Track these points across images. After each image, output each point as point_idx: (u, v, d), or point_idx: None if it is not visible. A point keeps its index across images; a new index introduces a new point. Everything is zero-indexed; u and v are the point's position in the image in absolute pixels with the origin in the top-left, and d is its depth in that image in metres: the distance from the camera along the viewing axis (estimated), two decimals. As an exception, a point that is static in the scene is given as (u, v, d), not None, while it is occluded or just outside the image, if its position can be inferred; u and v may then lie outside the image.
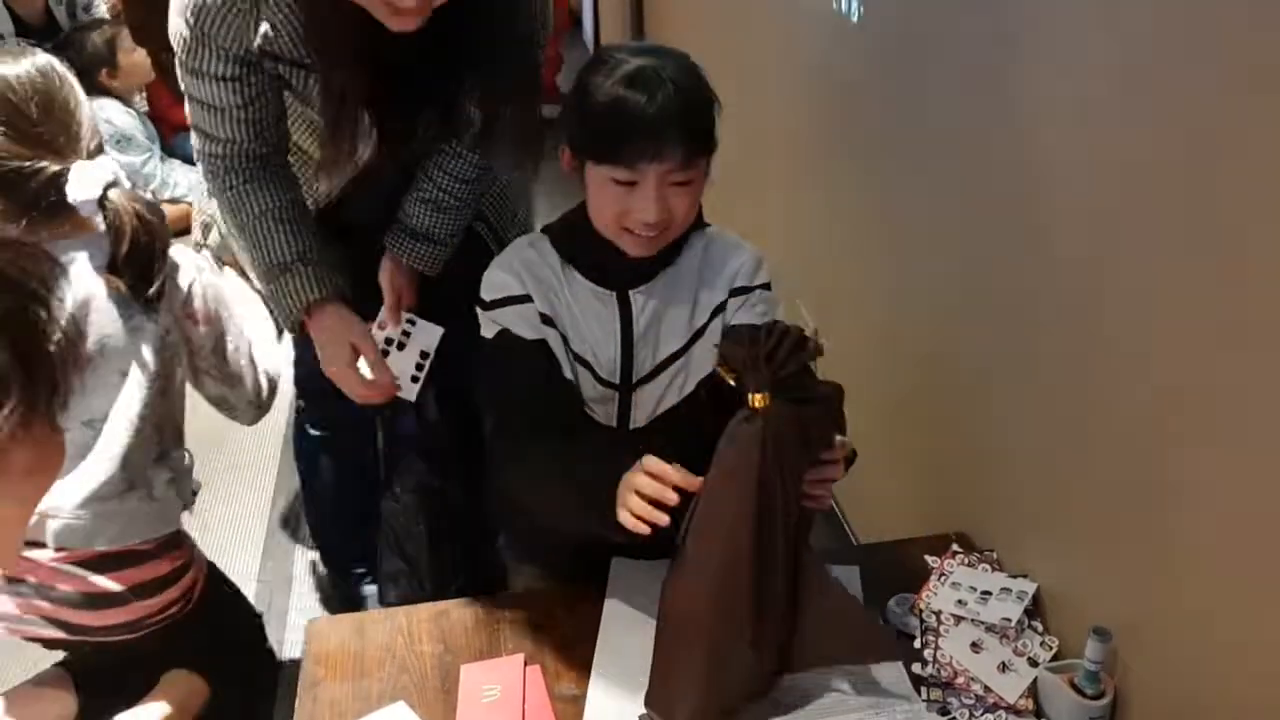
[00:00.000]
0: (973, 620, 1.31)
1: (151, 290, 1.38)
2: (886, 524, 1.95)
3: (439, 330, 1.59)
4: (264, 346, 1.57)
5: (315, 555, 2.27)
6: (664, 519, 1.06)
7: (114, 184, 1.35)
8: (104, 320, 1.36)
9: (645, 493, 1.07)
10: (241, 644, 1.71)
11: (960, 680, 1.25)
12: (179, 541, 1.50)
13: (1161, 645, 1.16)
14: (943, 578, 1.38)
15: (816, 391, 1.12)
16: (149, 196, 1.49)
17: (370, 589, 2.09)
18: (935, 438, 1.74)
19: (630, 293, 1.30)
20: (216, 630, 1.59)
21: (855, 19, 1.88)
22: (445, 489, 1.72)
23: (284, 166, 1.53)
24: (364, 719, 1.22)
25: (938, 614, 1.33)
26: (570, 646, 1.30)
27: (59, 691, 1.46)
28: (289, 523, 2.46)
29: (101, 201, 1.34)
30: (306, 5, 1.31)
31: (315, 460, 2.03)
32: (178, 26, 1.37)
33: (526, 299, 1.28)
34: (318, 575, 2.27)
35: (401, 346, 1.58)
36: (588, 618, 1.33)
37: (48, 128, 1.34)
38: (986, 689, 1.24)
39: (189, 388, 1.51)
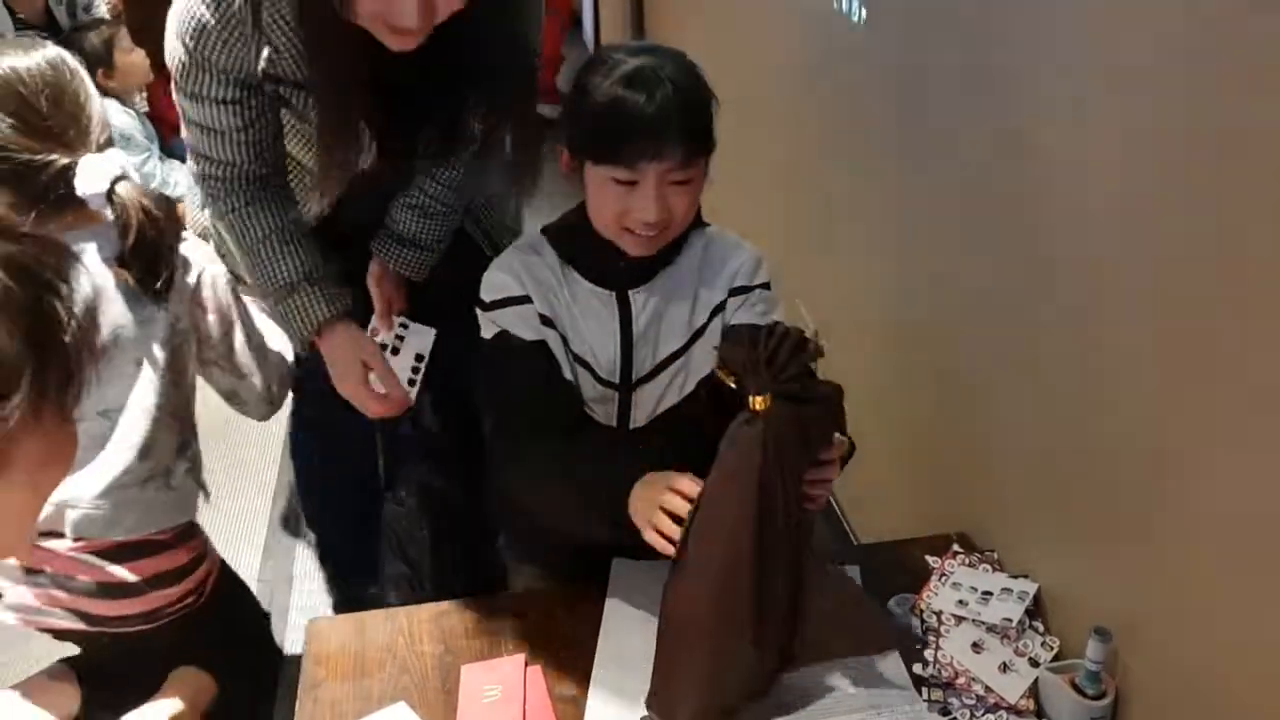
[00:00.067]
0: (974, 620, 1.31)
1: (159, 283, 1.38)
2: (887, 524, 1.95)
3: (432, 332, 1.59)
4: (277, 341, 1.57)
5: (316, 555, 2.27)
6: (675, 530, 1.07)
7: (122, 177, 1.35)
8: (116, 311, 1.36)
9: (668, 508, 1.08)
10: (251, 639, 1.72)
11: (961, 680, 1.25)
12: (195, 532, 1.52)
13: (1162, 645, 1.16)
14: (943, 578, 1.38)
15: (816, 392, 1.12)
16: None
17: (371, 590, 2.09)
18: (936, 438, 1.74)
19: (630, 293, 1.30)
20: (229, 624, 1.60)
21: (856, 19, 1.88)
22: (447, 490, 1.72)
23: (284, 186, 1.52)
24: (364, 719, 1.22)
25: (939, 614, 1.33)
26: (571, 647, 1.30)
27: (64, 685, 1.47)
28: (290, 522, 2.46)
29: (110, 195, 1.35)
30: (307, 27, 1.30)
31: (313, 460, 2.03)
32: (175, 49, 1.36)
33: (526, 300, 1.28)
34: (318, 575, 2.27)
35: (396, 351, 1.58)
36: (588, 618, 1.33)
37: (57, 120, 1.34)
38: (987, 689, 1.24)
39: (200, 381, 1.52)
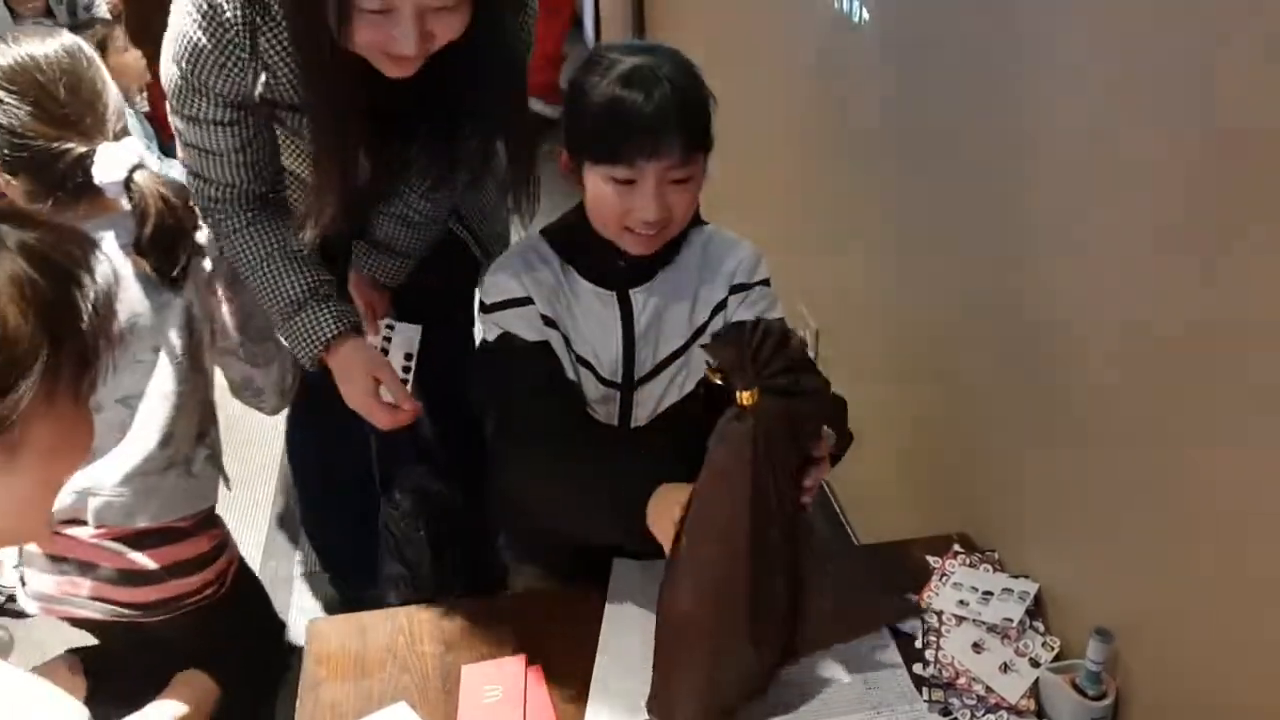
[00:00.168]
0: (974, 621, 1.31)
1: (176, 271, 1.39)
2: (888, 524, 1.95)
3: (417, 328, 1.59)
4: None
5: (316, 555, 2.27)
6: None
7: (139, 166, 1.36)
8: (133, 298, 1.37)
9: None
10: (266, 635, 1.73)
11: (962, 681, 1.25)
12: (215, 521, 1.53)
13: (1163, 646, 1.16)
14: (944, 578, 1.38)
15: (805, 385, 1.11)
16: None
17: (371, 590, 2.09)
18: (936, 438, 1.74)
19: (631, 292, 1.30)
20: (246, 619, 1.62)
21: (857, 19, 1.88)
22: (443, 492, 1.72)
23: (282, 202, 1.52)
24: (365, 719, 1.22)
25: (939, 614, 1.33)
26: (572, 647, 1.29)
27: (71, 675, 1.47)
28: (289, 522, 2.46)
29: (127, 183, 1.35)
30: (304, 55, 1.29)
31: (311, 461, 2.03)
32: (170, 72, 1.35)
33: (528, 301, 1.28)
34: (318, 575, 2.27)
35: (385, 353, 1.58)
36: (589, 618, 1.33)
37: (75, 109, 1.35)
38: (988, 689, 1.24)
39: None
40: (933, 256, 1.68)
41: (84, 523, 1.40)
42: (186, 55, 1.32)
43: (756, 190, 2.58)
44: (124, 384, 1.39)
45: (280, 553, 2.38)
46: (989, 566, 1.41)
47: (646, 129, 1.15)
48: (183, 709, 1.25)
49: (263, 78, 1.33)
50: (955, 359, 1.63)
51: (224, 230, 1.45)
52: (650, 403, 1.34)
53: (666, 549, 1.10)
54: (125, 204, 1.38)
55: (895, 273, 1.85)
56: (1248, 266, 0.98)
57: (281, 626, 1.81)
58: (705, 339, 1.32)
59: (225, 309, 1.47)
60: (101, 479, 1.39)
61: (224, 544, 1.54)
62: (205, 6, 1.28)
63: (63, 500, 1.38)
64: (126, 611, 1.44)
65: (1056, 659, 1.27)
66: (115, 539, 1.41)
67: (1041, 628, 1.31)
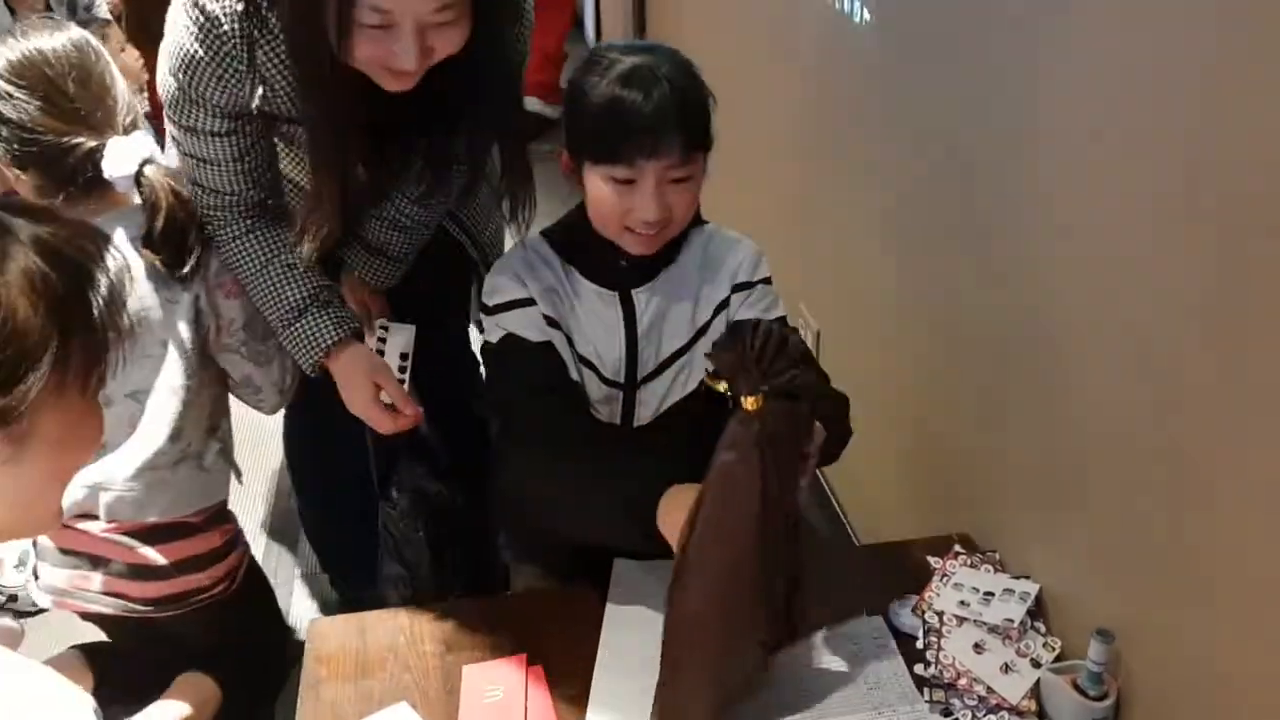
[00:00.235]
0: (975, 621, 1.31)
1: (185, 269, 1.38)
2: (888, 525, 1.95)
3: (412, 328, 1.60)
4: None
5: (315, 556, 2.27)
6: None
7: (149, 160, 1.36)
8: (142, 293, 1.37)
9: None
10: (271, 635, 1.74)
11: (963, 681, 1.25)
12: (227, 516, 1.53)
13: (1164, 646, 1.16)
14: (945, 579, 1.38)
15: (807, 385, 1.12)
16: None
17: (370, 591, 2.09)
18: (937, 438, 1.74)
19: (633, 292, 1.30)
20: (255, 617, 1.61)
21: (858, 19, 1.88)
22: (442, 492, 1.72)
23: (281, 209, 1.52)
24: (366, 719, 1.22)
25: (940, 615, 1.33)
26: (573, 647, 1.29)
27: (77, 670, 1.48)
28: (289, 522, 2.46)
29: (137, 177, 1.35)
30: (303, 70, 1.29)
31: (309, 462, 2.03)
32: (166, 82, 1.35)
33: (530, 302, 1.28)
34: (318, 575, 2.26)
35: (381, 354, 1.58)
36: (590, 618, 1.33)
37: (84, 103, 1.34)
38: (989, 690, 1.24)
39: None
40: (933, 257, 1.68)
41: (95, 517, 1.41)
42: (183, 67, 1.31)
43: (757, 190, 2.57)
44: (133, 378, 1.39)
45: (280, 553, 2.37)
46: (990, 567, 1.41)
47: (646, 128, 1.15)
48: (186, 709, 1.25)
49: (260, 90, 1.32)
50: (956, 359, 1.63)
51: (223, 237, 1.45)
52: (653, 402, 1.34)
53: (676, 550, 1.10)
54: (135, 198, 1.38)
55: (895, 273, 1.85)
56: (1249, 267, 0.98)
57: (286, 627, 1.81)
58: (710, 338, 1.32)
59: (232, 305, 1.47)
60: (113, 473, 1.40)
61: (235, 540, 1.54)
62: (202, 19, 1.28)
63: (74, 495, 1.39)
64: (137, 607, 1.44)
65: (1058, 659, 1.26)
66: (126, 533, 1.41)
67: (1042, 628, 1.31)
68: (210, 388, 1.49)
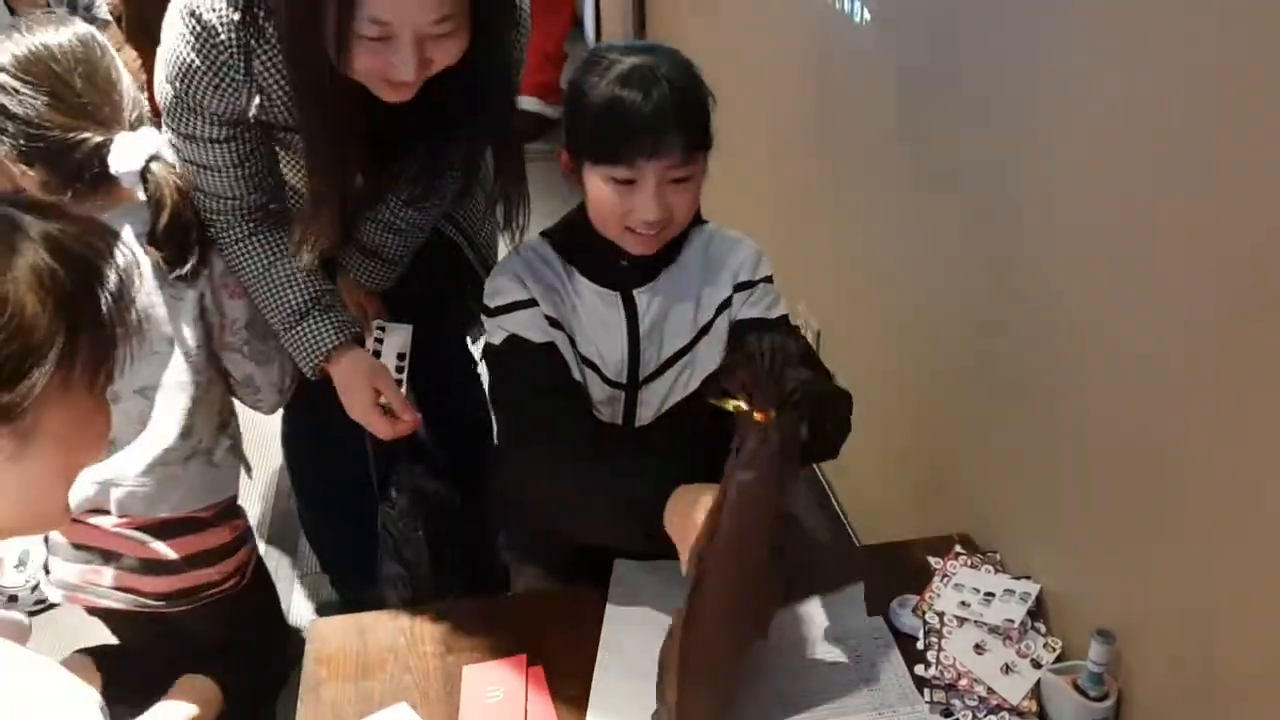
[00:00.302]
0: (976, 622, 1.31)
1: (187, 267, 1.38)
2: (889, 525, 1.94)
3: (408, 328, 1.60)
4: None
5: (315, 556, 2.27)
6: None
7: (156, 156, 1.35)
8: (149, 290, 1.37)
9: None
10: (274, 633, 1.74)
11: (963, 682, 1.25)
12: (237, 511, 1.53)
13: (1165, 646, 1.16)
14: (945, 579, 1.38)
15: (827, 391, 1.12)
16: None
17: (370, 591, 2.09)
18: (937, 438, 1.74)
19: (634, 292, 1.30)
20: (261, 614, 1.62)
21: (858, 19, 1.88)
22: (440, 491, 1.72)
23: (283, 212, 1.51)
24: (366, 719, 1.22)
25: (941, 615, 1.32)
26: (573, 647, 1.29)
27: (86, 672, 1.48)
28: (288, 523, 2.46)
29: (144, 173, 1.35)
30: (301, 81, 1.29)
31: (308, 464, 2.03)
32: (164, 90, 1.35)
33: (532, 303, 1.28)
34: (318, 576, 2.26)
35: (378, 355, 1.59)
36: (590, 618, 1.33)
37: (91, 98, 1.34)
38: (990, 690, 1.24)
39: None
40: (933, 257, 1.68)
41: (107, 512, 1.41)
42: (179, 75, 1.31)
43: (757, 190, 2.57)
44: (141, 375, 1.39)
45: (279, 554, 2.37)
46: (990, 567, 1.41)
47: (646, 129, 1.15)
48: (192, 709, 1.25)
49: (257, 99, 1.32)
50: (957, 359, 1.63)
51: (226, 241, 1.45)
52: (655, 401, 1.34)
53: (683, 554, 1.09)
54: (140, 194, 1.37)
55: (895, 272, 1.85)
56: (1250, 267, 0.98)
57: (287, 626, 1.81)
58: (713, 337, 1.32)
59: (236, 304, 1.47)
60: (124, 469, 1.40)
61: (245, 535, 1.55)
62: (198, 27, 1.28)
63: (85, 491, 1.40)
64: (149, 602, 1.45)
65: (1058, 660, 1.26)
66: (138, 528, 1.42)
67: (1043, 629, 1.31)
68: (219, 384, 1.49)
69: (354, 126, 1.33)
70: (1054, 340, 1.32)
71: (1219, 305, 1.03)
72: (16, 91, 1.30)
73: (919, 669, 1.27)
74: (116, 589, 1.43)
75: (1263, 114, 0.95)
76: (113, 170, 1.34)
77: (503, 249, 1.57)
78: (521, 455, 1.31)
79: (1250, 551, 1.02)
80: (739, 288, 1.32)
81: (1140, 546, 1.19)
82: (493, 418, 1.40)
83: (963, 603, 1.34)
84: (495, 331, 1.30)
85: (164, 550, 1.43)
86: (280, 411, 1.74)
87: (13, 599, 2.04)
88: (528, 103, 3.89)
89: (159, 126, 1.44)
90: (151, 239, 1.37)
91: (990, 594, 1.35)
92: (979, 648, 1.28)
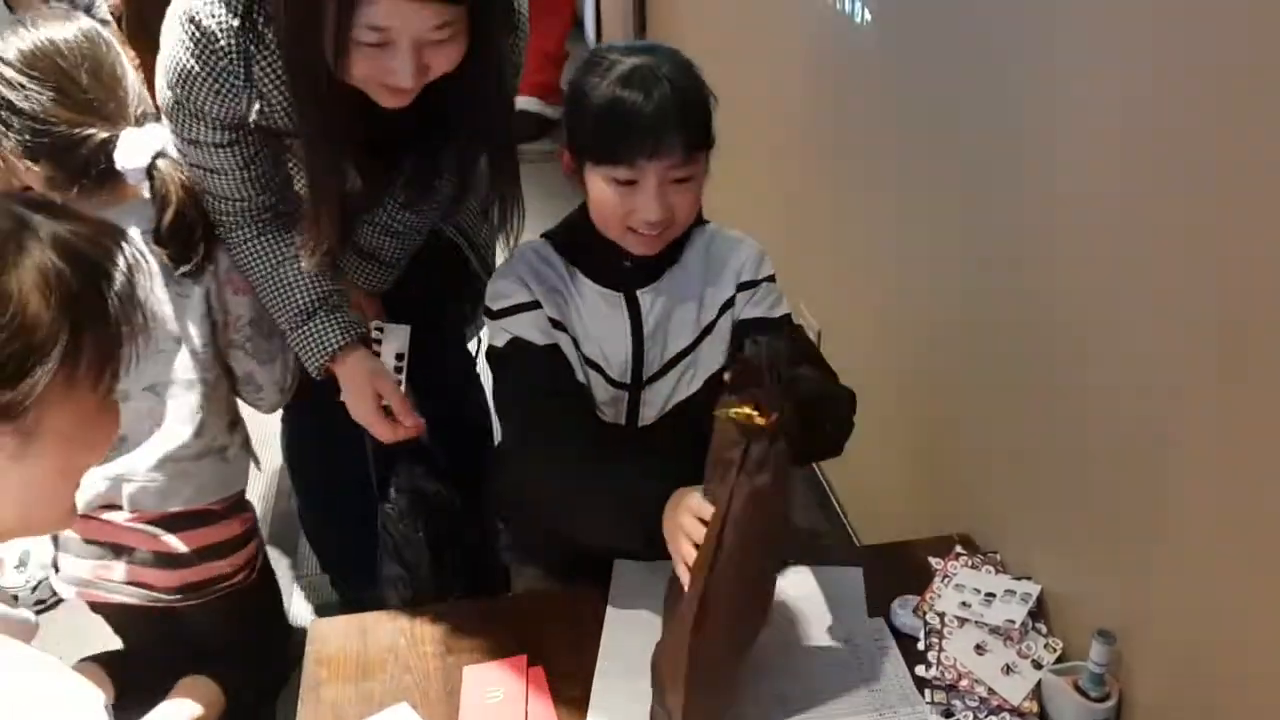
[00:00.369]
0: (976, 622, 1.31)
1: (190, 265, 1.38)
2: (889, 525, 1.94)
3: (406, 328, 1.60)
4: None
5: (315, 557, 2.27)
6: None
7: (162, 153, 1.35)
8: (156, 288, 1.37)
9: (695, 536, 1.06)
10: (277, 632, 1.75)
11: (964, 683, 1.25)
12: (246, 505, 1.53)
13: (1166, 647, 1.16)
14: (946, 579, 1.38)
15: (819, 394, 1.12)
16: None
17: (370, 592, 2.09)
18: (938, 439, 1.74)
19: (638, 293, 1.30)
20: (267, 611, 1.62)
21: (859, 19, 1.88)
22: (441, 492, 1.72)
23: (291, 211, 1.51)
24: (367, 720, 1.22)
25: (941, 616, 1.32)
26: (574, 648, 1.29)
27: (99, 679, 1.48)
28: (288, 524, 2.45)
29: (150, 170, 1.34)
30: (299, 87, 1.29)
31: (309, 465, 2.02)
32: (165, 96, 1.34)
33: (535, 305, 1.28)
34: (318, 577, 2.26)
35: (376, 356, 1.59)
36: (591, 619, 1.33)
37: (97, 93, 1.34)
38: (990, 691, 1.24)
39: None
40: (934, 257, 1.68)
41: (119, 507, 1.41)
42: (179, 81, 1.31)
43: (757, 191, 2.57)
44: (149, 373, 1.39)
45: (279, 554, 2.37)
46: (991, 568, 1.41)
47: (647, 129, 1.15)
48: (197, 709, 1.25)
49: (257, 105, 1.32)
50: (957, 360, 1.63)
51: (234, 241, 1.45)
52: (658, 401, 1.34)
53: (674, 555, 1.09)
54: (145, 191, 1.37)
55: (896, 272, 1.85)
56: (1250, 268, 0.98)
57: (288, 626, 1.82)
58: (715, 337, 1.32)
59: (240, 301, 1.47)
60: (135, 465, 1.41)
61: (254, 528, 1.56)
62: (197, 33, 1.27)
63: (97, 487, 1.40)
64: (161, 596, 1.45)
65: (1059, 661, 1.26)
66: (149, 522, 1.42)
67: (1044, 629, 1.31)
68: (225, 381, 1.50)
69: (353, 131, 1.33)
70: (1054, 340, 1.32)
71: (1220, 305, 1.03)
72: (22, 87, 1.30)
73: (920, 670, 1.27)
74: (128, 583, 1.44)
75: (1261, 114, 0.95)
76: (118, 166, 1.33)
77: (500, 251, 1.58)
78: (523, 457, 1.31)
79: (1251, 551, 1.02)
80: (742, 287, 1.32)
81: (1141, 547, 1.19)
82: (493, 419, 1.40)
83: (963, 603, 1.34)
84: (498, 334, 1.30)
85: (175, 543, 1.43)
86: (280, 411, 1.74)
87: (14, 599, 2.04)
88: (527, 103, 3.89)
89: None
90: (157, 236, 1.37)
91: (991, 594, 1.35)
92: (980, 648, 1.28)
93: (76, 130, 1.32)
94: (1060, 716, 1.21)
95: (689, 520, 1.07)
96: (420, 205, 1.55)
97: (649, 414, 1.34)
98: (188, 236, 1.39)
